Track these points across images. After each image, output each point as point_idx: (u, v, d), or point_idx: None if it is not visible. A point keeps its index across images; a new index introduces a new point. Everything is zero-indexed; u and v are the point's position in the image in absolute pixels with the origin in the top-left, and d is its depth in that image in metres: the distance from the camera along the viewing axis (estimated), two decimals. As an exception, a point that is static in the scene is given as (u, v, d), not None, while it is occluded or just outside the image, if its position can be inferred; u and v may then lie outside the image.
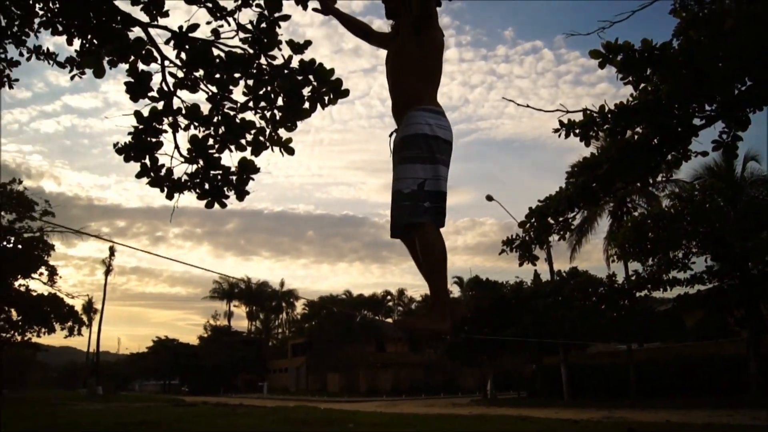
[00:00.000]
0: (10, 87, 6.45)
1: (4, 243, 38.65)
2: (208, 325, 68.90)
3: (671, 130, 7.08)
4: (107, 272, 52.85)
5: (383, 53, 3.03)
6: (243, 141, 5.04)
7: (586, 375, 25.46)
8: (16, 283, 39.26)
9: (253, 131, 5.02)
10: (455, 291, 43.92)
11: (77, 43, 5.35)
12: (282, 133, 5.05)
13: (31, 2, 5.53)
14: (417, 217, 2.42)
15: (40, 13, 5.56)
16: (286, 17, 4.73)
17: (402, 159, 2.53)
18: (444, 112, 2.68)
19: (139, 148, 4.84)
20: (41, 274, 39.90)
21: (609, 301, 24.30)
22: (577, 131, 7.39)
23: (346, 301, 55.39)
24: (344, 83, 4.81)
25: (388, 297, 63.16)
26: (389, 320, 59.07)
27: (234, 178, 5.00)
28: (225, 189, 5.02)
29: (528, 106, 7.85)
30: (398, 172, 2.52)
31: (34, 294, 39.93)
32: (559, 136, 7.42)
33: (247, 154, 5.03)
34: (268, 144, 5.07)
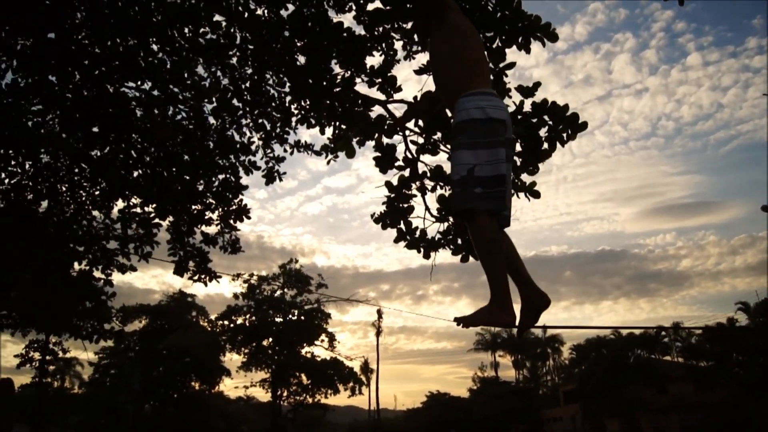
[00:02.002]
0: (280, 180, 7.47)
1: (290, 316, 44.08)
2: (476, 377, 69.42)
3: None
4: (378, 334, 56.46)
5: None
6: (487, 192, 5.11)
7: None
8: (303, 351, 44.36)
9: (496, 181, 5.08)
10: (742, 318, 38.61)
11: (329, 131, 6.04)
12: (525, 177, 5.05)
13: (287, 104, 6.39)
14: (467, 203, 2.36)
15: (295, 112, 6.39)
16: (512, 65, 4.79)
17: (453, 146, 2.52)
18: (496, 93, 2.61)
19: (394, 214, 5.19)
20: (322, 340, 44.76)
21: None
22: None
23: (615, 342, 51.88)
24: (580, 116, 4.67)
25: (663, 333, 57.81)
26: (667, 358, 53.84)
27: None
28: (477, 242, 5.12)
29: (799, 98, 6.83)
30: (452, 160, 2.50)
31: (319, 359, 44.67)
32: None
33: (494, 204, 5.08)
34: (512, 191, 5.09)
